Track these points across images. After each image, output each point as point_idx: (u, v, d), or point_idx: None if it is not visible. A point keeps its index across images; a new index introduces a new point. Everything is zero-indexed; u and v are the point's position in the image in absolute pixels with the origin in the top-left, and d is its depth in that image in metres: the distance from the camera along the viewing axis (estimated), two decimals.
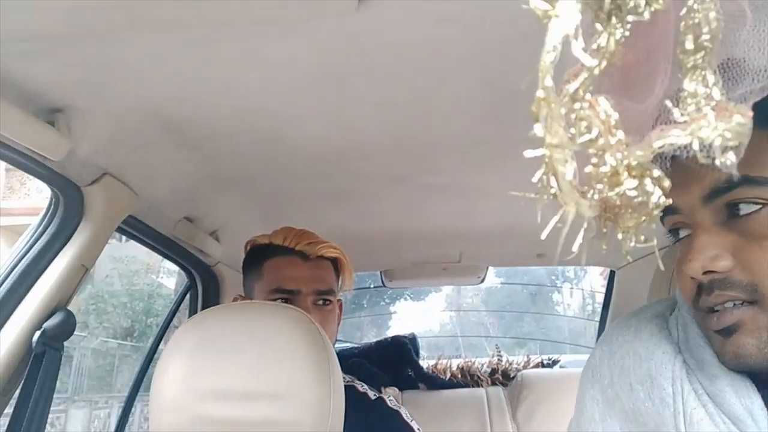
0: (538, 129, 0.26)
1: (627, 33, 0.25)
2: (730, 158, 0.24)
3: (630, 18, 0.26)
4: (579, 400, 0.58)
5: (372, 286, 5.10)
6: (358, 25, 0.71)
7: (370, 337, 9.88)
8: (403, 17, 0.70)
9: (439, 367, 2.46)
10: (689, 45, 0.25)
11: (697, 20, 0.25)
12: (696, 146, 0.24)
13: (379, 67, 0.83)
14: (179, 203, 1.36)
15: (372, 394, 1.20)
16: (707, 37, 0.25)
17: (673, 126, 0.24)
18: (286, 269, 1.18)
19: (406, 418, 1.15)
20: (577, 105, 0.25)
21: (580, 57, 0.25)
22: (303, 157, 1.20)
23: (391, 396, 1.21)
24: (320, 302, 1.17)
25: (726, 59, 0.27)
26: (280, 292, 1.15)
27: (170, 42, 0.75)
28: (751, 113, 0.23)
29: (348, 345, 2.63)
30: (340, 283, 1.27)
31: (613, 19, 0.27)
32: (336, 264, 1.25)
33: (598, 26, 0.26)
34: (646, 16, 0.26)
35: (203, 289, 1.76)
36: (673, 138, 0.24)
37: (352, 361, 2.35)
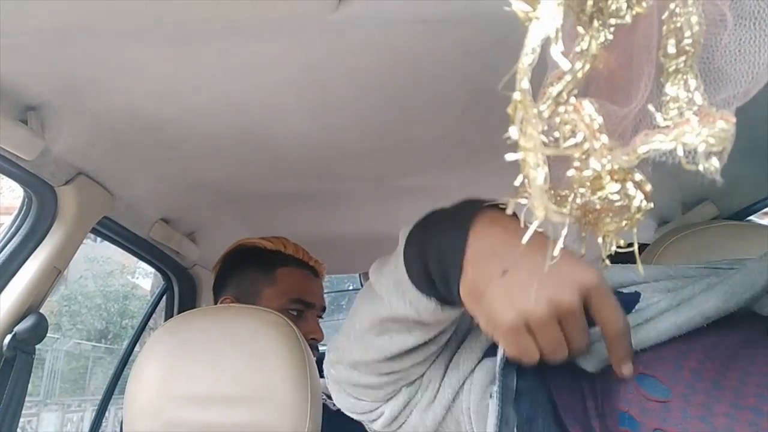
0: (513, 131, 0.26)
1: (610, 36, 0.25)
2: (714, 164, 0.24)
3: (612, 21, 0.26)
4: None
5: (351, 288, 5.09)
6: (338, 24, 0.70)
7: None
8: (382, 17, 0.70)
9: None
10: (671, 49, 0.25)
11: (679, 24, 0.25)
12: (680, 152, 0.24)
13: (359, 67, 0.82)
14: (156, 204, 1.34)
15: (331, 404, 1.18)
16: (689, 41, 0.25)
17: (657, 131, 0.24)
18: (305, 281, 1.23)
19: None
20: (561, 108, 0.25)
21: (558, 60, 0.25)
22: (282, 159, 1.19)
23: None
24: (319, 318, 1.24)
25: (708, 65, 0.27)
26: (299, 302, 1.18)
27: (149, 40, 0.74)
28: (734, 119, 0.24)
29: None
30: None
31: (595, 23, 0.26)
32: None
33: (580, 29, 0.26)
34: (628, 19, 0.26)
35: (180, 292, 1.74)
36: (658, 143, 0.24)
37: None
